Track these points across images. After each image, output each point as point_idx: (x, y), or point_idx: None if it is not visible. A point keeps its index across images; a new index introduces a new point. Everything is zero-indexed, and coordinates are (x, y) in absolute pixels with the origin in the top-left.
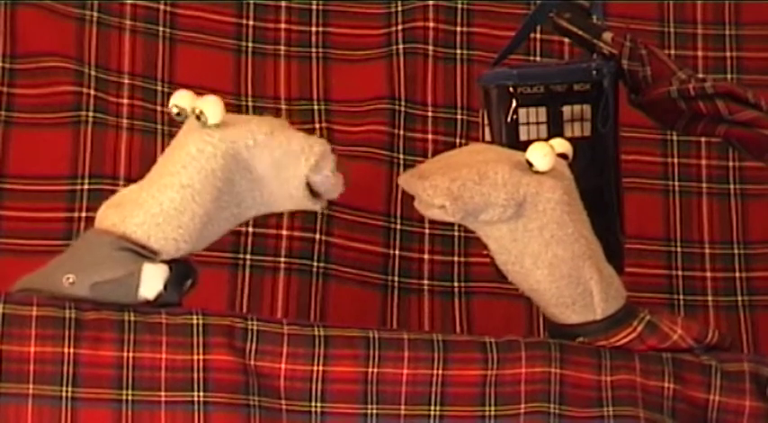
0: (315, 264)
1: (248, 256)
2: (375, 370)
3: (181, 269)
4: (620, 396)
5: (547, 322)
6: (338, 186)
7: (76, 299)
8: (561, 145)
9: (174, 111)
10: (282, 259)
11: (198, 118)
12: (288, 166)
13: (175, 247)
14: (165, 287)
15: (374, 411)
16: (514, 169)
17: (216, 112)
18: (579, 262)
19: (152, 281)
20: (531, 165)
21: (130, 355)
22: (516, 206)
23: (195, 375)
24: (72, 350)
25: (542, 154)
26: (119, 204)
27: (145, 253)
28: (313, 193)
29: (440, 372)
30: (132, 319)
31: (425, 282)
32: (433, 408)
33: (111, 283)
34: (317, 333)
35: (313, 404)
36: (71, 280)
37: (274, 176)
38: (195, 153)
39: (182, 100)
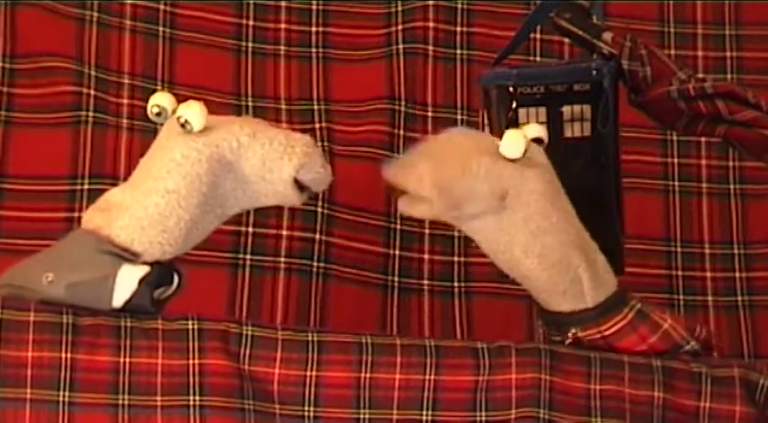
0: (315, 264)
1: (248, 256)
2: (368, 375)
3: (160, 273)
4: (608, 407)
5: (538, 309)
6: (325, 180)
7: (51, 299)
8: (534, 130)
9: (155, 110)
10: (282, 259)
11: (183, 126)
12: (272, 167)
13: (161, 251)
14: (140, 284)
15: (367, 416)
16: (497, 161)
17: (200, 119)
18: (567, 250)
19: (127, 285)
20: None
21: (127, 360)
22: (500, 198)
23: (191, 380)
24: (69, 355)
25: (512, 142)
26: (105, 208)
27: (127, 256)
28: (300, 186)
29: (432, 377)
30: (129, 324)
31: (425, 282)
32: (425, 413)
33: (86, 284)
34: (310, 338)
35: (306, 408)
36: (50, 278)
37: (260, 176)
38: (180, 159)
39: (162, 100)
